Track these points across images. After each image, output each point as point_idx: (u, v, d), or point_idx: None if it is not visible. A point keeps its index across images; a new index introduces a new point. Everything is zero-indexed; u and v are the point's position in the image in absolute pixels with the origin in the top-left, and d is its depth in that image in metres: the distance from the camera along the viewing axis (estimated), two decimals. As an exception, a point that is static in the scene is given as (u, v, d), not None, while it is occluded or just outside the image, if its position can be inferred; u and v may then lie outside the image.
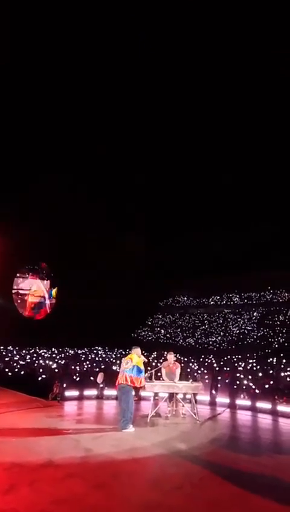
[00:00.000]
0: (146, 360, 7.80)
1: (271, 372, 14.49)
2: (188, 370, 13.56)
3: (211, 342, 38.26)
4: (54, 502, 3.53)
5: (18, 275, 7.86)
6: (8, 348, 23.52)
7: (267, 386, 10.75)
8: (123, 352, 20.80)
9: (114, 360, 17.27)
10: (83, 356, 22.08)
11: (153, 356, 18.27)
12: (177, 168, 53.74)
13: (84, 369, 14.01)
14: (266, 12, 33.95)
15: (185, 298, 51.90)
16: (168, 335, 43.26)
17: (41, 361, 16.67)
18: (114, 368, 13.28)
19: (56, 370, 13.58)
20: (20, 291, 7.62)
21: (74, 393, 10.33)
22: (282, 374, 13.35)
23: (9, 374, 13.33)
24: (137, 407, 8.22)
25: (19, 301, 7.57)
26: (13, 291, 7.89)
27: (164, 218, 53.95)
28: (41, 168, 42.83)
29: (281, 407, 8.92)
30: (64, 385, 10.39)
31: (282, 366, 16.95)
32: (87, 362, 17.21)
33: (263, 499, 3.93)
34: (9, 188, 37.45)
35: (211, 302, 48.72)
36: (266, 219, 49.16)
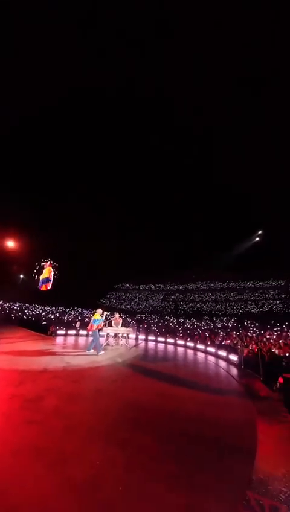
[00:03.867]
0: (107, 312, 7.60)
1: (165, 323, 15.06)
2: (126, 322, 13.46)
3: (139, 308, 38.43)
4: (45, 390, 3.34)
5: (36, 263, 7.28)
6: (26, 304, 21.33)
7: (163, 329, 11.15)
8: (92, 311, 19.85)
9: (86, 315, 16.44)
10: (68, 312, 20.67)
11: (107, 314, 17.75)
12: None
13: (70, 319, 13.08)
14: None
15: (128, 285, 51.64)
16: (117, 303, 42.48)
17: (44, 313, 15.19)
18: (86, 320, 12.66)
19: (52, 319, 12.50)
20: (38, 274, 7.08)
21: (62, 332, 9.62)
22: (170, 324, 13.96)
23: (25, 318, 11.92)
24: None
25: (36, 279, 6.97)
26: (34, 274, 7.27)
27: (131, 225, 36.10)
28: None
29: (169, 340, 9.39)
30: (57, 327, 9.63)
31: (171, 319, 17.72)
32: (71, 315, 16.11)
33: (162, 383, 4.10)
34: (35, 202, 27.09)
35: (141, 287, 49.11)
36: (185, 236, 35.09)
